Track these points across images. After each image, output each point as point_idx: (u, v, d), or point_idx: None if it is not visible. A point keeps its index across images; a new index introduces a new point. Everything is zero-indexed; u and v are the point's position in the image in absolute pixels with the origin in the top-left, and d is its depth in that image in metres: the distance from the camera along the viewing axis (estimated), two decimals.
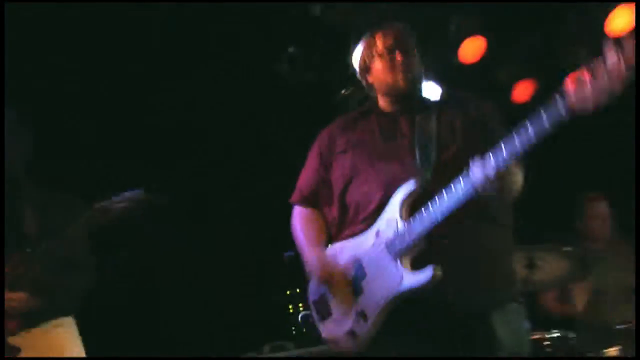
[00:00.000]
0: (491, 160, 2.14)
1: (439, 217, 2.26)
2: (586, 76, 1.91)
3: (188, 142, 5.10)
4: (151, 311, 4.53)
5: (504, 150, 2.12)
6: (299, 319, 3.60)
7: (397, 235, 2.39)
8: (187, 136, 5.05)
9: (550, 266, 3.95)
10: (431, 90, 4.47)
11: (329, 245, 2.69)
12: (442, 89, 4.46)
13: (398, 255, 2.35)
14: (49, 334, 3.06)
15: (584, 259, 4.02)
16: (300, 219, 2.79)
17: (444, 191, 2.27)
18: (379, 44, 2.55)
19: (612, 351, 3.78)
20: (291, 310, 4.88)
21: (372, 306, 2.44)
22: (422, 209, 2.30)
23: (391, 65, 2.53)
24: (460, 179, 2.23)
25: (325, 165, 2.74)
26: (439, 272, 2.24)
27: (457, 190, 2.23)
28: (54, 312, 3.06)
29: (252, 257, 5.26)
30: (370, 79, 2.61)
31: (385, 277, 2.41)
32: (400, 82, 2.51)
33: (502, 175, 2.17)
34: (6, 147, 3.06)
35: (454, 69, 4.89)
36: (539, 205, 4.41)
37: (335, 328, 2.56)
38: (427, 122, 2.54)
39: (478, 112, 2.58)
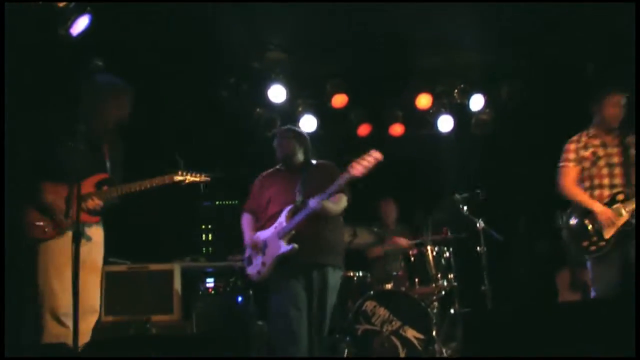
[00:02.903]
0: (315, 199, 4.06)
1: (299, 222, 4.15)
2: (357, 165, 3.94)
3: None
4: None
5: (322, 196, 4.06)
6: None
7: (282, 228, 4.21)
8: None
9: (364, 236, 5.66)
10: (309, 122, 6.93)
11: (256, 232, 4.43)
12: (317, 125, 6.87)
13: (281, 237, 4.20)
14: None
15: (380, 233, 5.88)
16: (244, 220, 4.59)
17: (299, 210, 4.16)
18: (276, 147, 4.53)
19: (389, 286, 5.58)
20: (203, 238, 6.60)
21: (268, 259, 4.27)
22: (294, 217, 4.19)
23: (277, 150, 4.52)
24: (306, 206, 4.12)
25: (260, 194, 4.53)
26: (297, 246, 4.12)
27: (306, 210, 4.10)
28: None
29: (186, 204, 6.44)
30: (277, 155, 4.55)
31: (275, 246, 4.23)
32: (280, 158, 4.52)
33: (323, 207, 4.09)
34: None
35: (329, 112, 6.89)
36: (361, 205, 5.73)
37: (253, 269, 4.39)
38: (304, 177, 4.38)
39: (328, 171, 4.37)
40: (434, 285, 5.38)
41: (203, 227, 6.71)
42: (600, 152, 4.46)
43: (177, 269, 5.79)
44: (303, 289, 4.23)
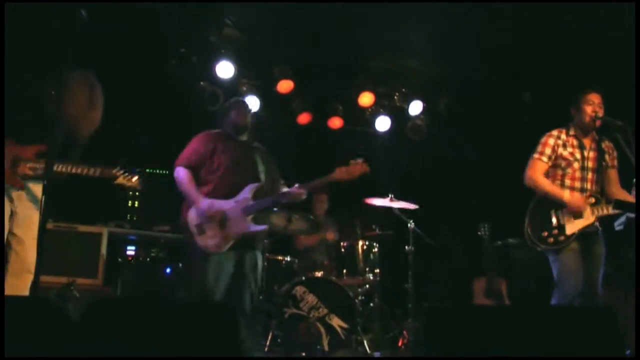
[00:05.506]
0: (296, 189, 4.22)
1: (269, 204, 4.25)
2: (343, 169, 4.18)
3: None
4: None
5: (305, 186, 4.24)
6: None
7: (250, 205, 4.15)
8: None
9: (298, 223, 5.29)
10: (252, 103, 6.83)
11: (205, 197, 4.21)
12: (259, 107, 6.83)
13: (247, 214, 4.16)
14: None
15: (314, 221, 5.51)
16: (185, 175, 4.27)
17: (271, 195, 4.24)
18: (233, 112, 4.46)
19: (319, 274, 5.58)
20: (130, 204, 6.53)
21: (232, 234, 4.12)
22: (260, 197, 4.19)
23: (236, 116, 4.45)
24: (282, 192, 4.29)
25: (208, 154, 4.29)
26: (267, 227, 4.26)
27: (280, 197, 4.28)
28: None
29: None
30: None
31: (242, 223, 4.14)
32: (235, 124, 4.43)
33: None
34: None
35: (273, 96, 6.91)
36: None
37: (208, 240, 4.12)
38: (260, 157, 4.43)
39: (272, 159, 4.54)
40: (361, 277, 5.57)
41: (130, 193, 6.51)
42: (578, 154, 4.32)
43: (105, 232, 5.71)
44: (233, 269, 4.16)
